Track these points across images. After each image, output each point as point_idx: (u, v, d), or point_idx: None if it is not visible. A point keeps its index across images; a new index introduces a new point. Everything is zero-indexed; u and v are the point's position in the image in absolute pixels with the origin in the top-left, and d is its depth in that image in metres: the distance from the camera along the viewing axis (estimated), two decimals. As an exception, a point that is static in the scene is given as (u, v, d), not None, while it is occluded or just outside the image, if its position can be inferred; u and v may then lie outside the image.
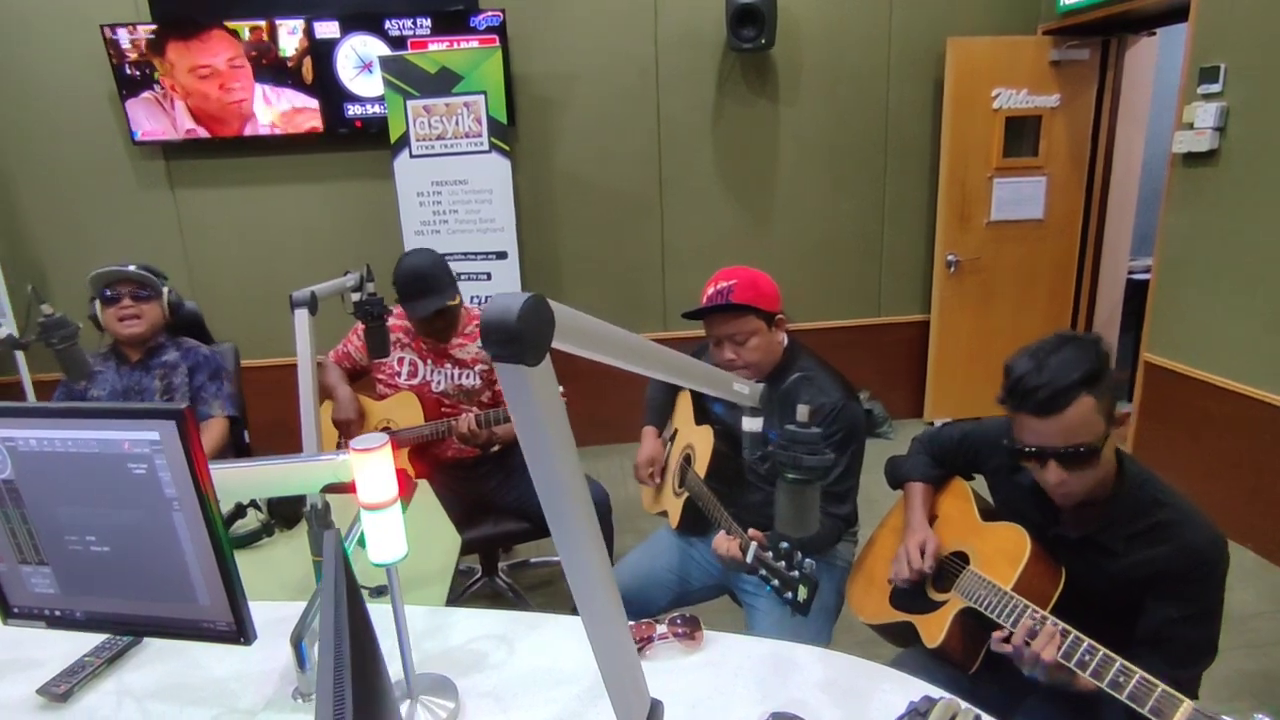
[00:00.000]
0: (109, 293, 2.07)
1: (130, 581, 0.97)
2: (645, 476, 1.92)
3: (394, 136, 3.33)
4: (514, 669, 1.17)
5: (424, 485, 1.91)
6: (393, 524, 0.97)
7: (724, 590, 1.86)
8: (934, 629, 1.36)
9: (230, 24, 3.32)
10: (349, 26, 3.40)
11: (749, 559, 1.32)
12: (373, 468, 0.94)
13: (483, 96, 3.26)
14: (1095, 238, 4.02)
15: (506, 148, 3.33)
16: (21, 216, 3.58)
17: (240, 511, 1.69)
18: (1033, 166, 3.82)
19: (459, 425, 2.08)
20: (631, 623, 1.20)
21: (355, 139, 3.58)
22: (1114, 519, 1.23)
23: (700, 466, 1.72)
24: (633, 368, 0.72)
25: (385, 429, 2.18)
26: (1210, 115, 2.76)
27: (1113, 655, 1.09)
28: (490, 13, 3.41)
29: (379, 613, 1.10)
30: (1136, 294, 4.04)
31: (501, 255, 3.43)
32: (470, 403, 2.26)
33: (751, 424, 1.23)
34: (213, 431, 2.14)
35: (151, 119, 3.42)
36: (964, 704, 0.98)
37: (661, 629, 1.22)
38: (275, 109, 3.47)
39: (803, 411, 1.00)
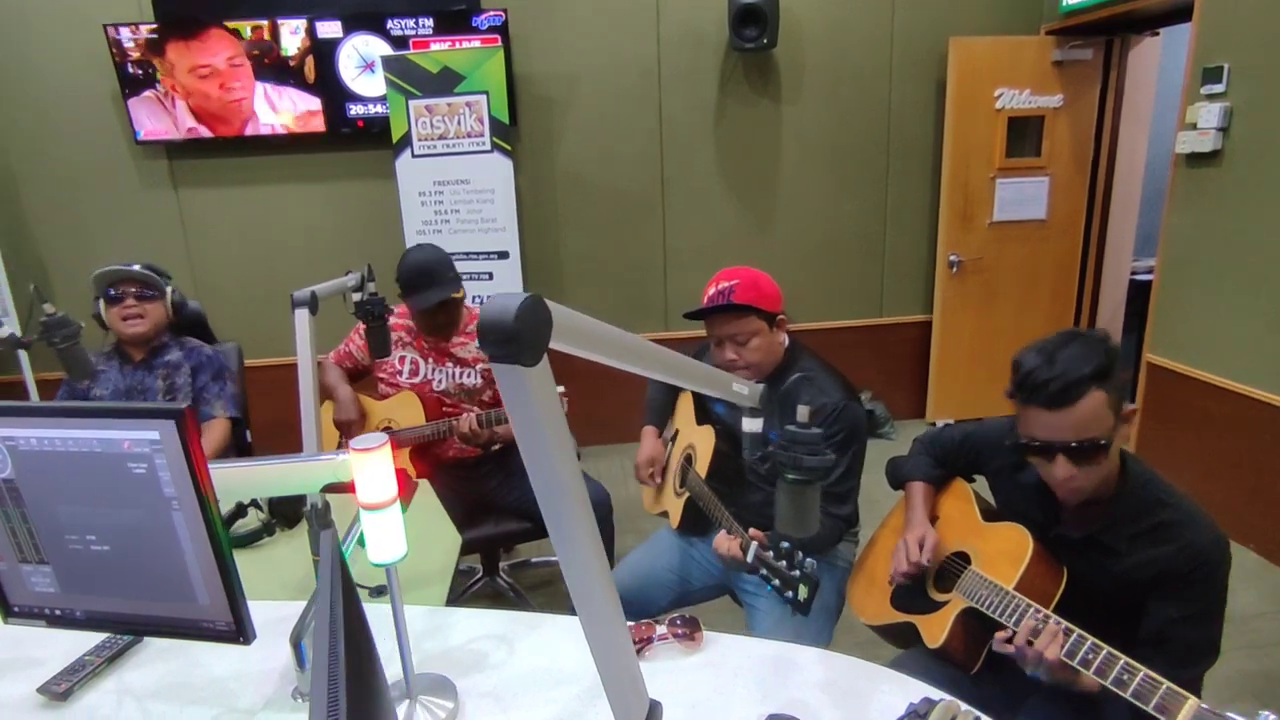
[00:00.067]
0: (113, 292, 2.07)
1: (130, 581, 0.97)
2: (645, 476, 1.92)
3: (396, 136, 3.34)
4: (514, 669, 1.17)
5: (425, 485, 1.91)
6: (392, 524, 0.97)
7: (725, 590, 1.86)
8: (935, 629, 1.36)
9: (232, 23, 3.33)
10: (351, 26, 3.40)
11: (749, 558, 1.32)
12: (372, 468, 0.94)
13: (484, 96, 3.26)
14: (1098, 238, 4.01)
15: (508, 147, 3.33)
16: (24, 215, 3.59)
17: (241, 511, 1.69)
18: (1035, 167, 3.81)
19: (460, 425, 2.08)
20: (631, 623, 1.20)
21: (357, 139, 3.58)
22: (1116, 519, 1.23)
23: (701, 466, 1.72)
24: (631, 368, 0.72)
25: (386, 429, 2.18)
26: (1214, 115, 2.75)
27: (1116, 653, 1.08)
28: (492, 12, 3.41)
29: (379, 613, 1.10)
30: (1139, 295, 4.03)
31: (503, 255, 3.43)
32: (471, 401, 2.26)
33: (751, 425, 1.23)
34: (215, 432, 2.14)
35: (154, 118, 3.43)
36: (964, 705, 0.98)
37: (661, 630, 1.22)
38: (277, 109, 3.47)
39: (803, 412, 1.00)
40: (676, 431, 1.95)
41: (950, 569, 1.42)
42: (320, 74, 3.43)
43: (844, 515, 1.63)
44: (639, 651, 1.20)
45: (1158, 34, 3.75)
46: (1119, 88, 3.79)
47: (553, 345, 0.56)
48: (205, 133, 3.47)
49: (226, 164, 3.60)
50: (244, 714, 1.09)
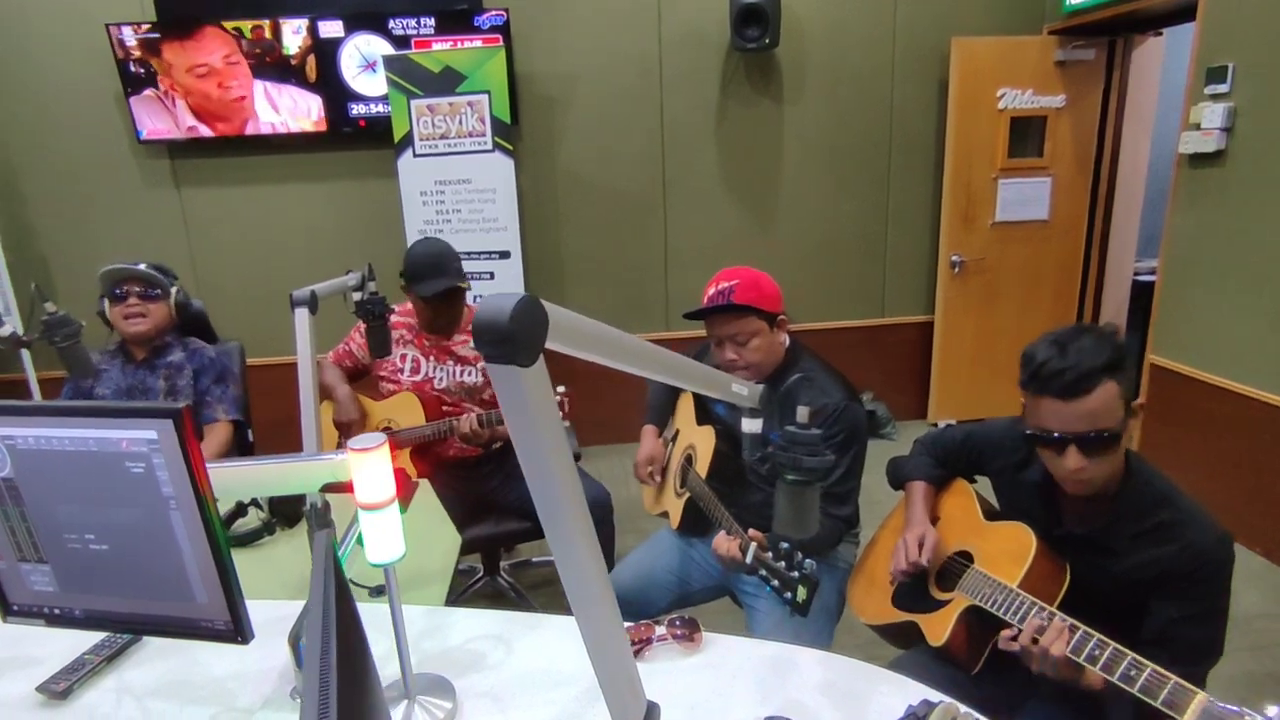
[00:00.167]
0: (117, 291, 2.07)
1: (128, 580, 0.97)
2: (645, 475, 1.92)
3: (398, 136, 3.34)
4: (512, 669, 1.16)
5: (425, 485, 1.91)
6: (390, 524, 0.97)
7: (725, 591, 1.86)
8: (938, 627, 1.36)
9: (233, 23, 3.33)
10: (353, 26, 3.41)
11: (748, 559, 1.32)
12: (369, 468, 0.94)
13: (486, 96, 3.26)
14: (1100, 238, 4.00)
15: (510, 147, 3.33)
16: (26, 215, 3.60)
17: (241, 510, 1.69)
18: (1038, 167, 3.81)
19: (461, 426, 2.08)
20: (630, 624, 1.19)
21: (359, 138, 3.59)
22: (1119, 517, 1.23)
23: (701, 467, 1.72)
24: (629, 369, 0.72)
25: (386, 429, 2.17)
26: (1217, 116, 2.75)
27: (1123, 649, 1.08)
28: (494, 12, 3.41)
29: (378, 612, 1.10)
30: (1142, 295, 4.02)
31: (504, 255, 3.43)
32: (472, 400, 2.26)
33: (751, 425, 1.23)
34: (218, 435, 2.13)
35: (155, 117, 3.43)
36: (963, 707, 0.97)
37: (660, 631, 1.22)
38: (278, 108, 3.47)
39: (803, 413, 1.00)
40: (677, 431, 1.95)
41: (953, 568, 1.42)
42: (322, 73, 3.44)
43: (844, 516, 1.62)
44: (638, 652, 1.19)
45: (1161, 34, 3.74)
46: (1122, 88, 3.78)
47: (549, 346, 0.56)
48: (206, 131, 3.47)
49: (228, 163, 3.61)
50: (243, 713, 1.09)
